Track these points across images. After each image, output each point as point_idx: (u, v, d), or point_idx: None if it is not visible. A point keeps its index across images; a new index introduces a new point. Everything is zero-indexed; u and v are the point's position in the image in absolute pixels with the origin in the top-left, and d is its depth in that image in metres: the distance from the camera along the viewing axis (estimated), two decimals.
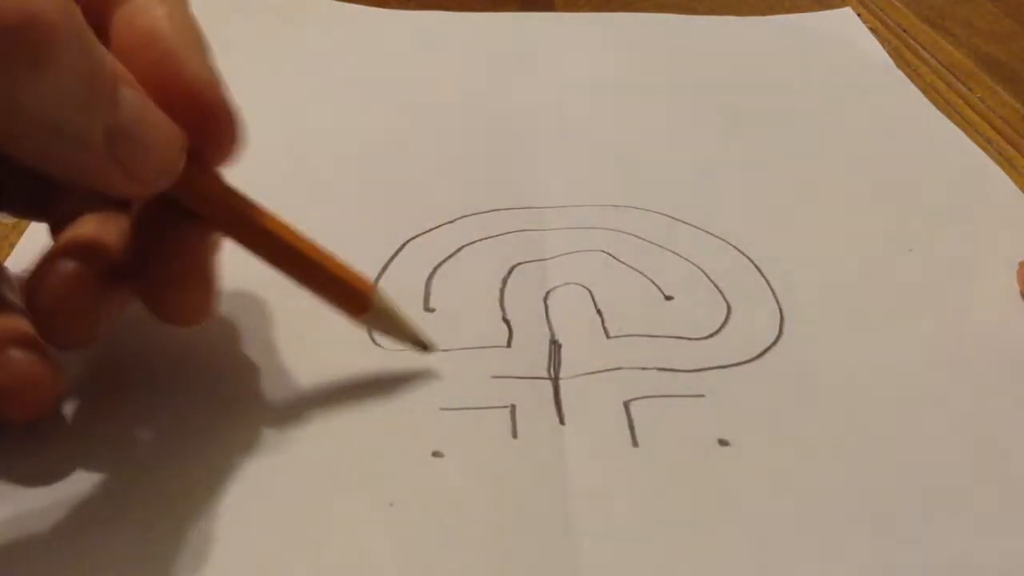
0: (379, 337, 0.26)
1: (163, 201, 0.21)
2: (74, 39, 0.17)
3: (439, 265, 0.29)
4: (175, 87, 0.20)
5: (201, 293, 0.22)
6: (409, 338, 0.25)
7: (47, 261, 0.21)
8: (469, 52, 0.43)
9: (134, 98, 0.19)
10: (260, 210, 0.22)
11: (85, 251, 0.22)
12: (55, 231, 0.24)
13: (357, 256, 0.29)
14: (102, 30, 0.20)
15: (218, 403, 0.24)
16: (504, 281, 0.29)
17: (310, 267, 0.23)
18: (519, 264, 0.29)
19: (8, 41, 0.16)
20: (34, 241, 0.29)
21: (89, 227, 0.22)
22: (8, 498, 0.21)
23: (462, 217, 0.31)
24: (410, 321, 0.25)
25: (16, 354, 0.21)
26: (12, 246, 0.29)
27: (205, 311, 0.23)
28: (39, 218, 0.25)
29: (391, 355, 0.25)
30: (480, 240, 0.30)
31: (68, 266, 0.21)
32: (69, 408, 0.23)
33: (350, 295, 0.24)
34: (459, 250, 0.30)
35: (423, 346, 0.25)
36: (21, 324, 0.22)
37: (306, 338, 0.26)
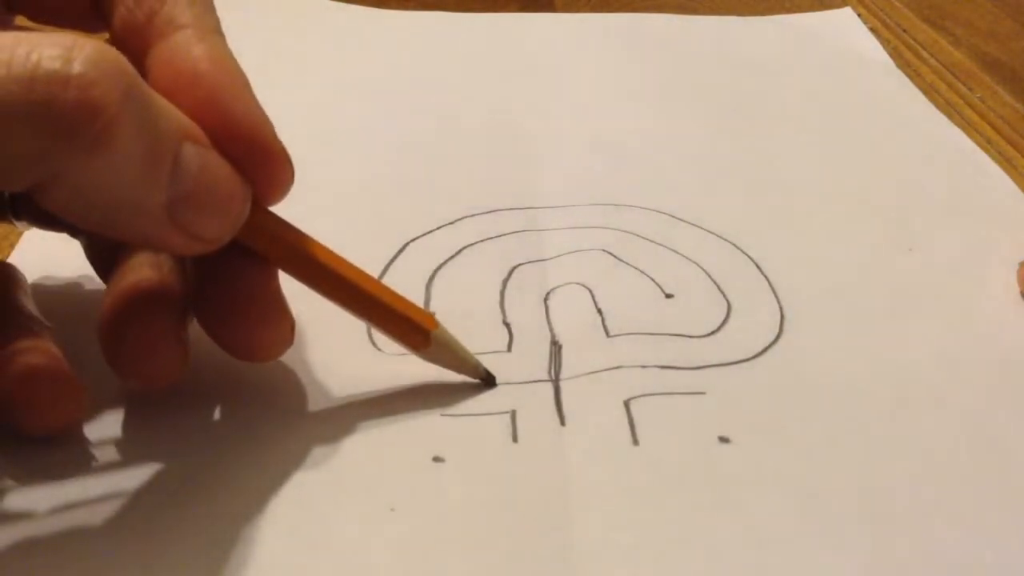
0: (380, 340, 0.26)
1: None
2: (134, 121, 0.17)
3: (440, 267, 0.29)
4: (224, 129, 0.20)
5: (279, 327, 0.22)
6: (470, 371, 0.24)
7: (123, 315, 0.21)
8: (469, 53, 0.43)
9: (199, 157, 0.19)
10: (318, 245, 0.22)
11: (158, 299, 0.22)
12: (91, 251, 0.24)
13: (358, 257, 0.29)
14: (137, 68, 0.18)
15: (217, 408, 0.24)
16: (504, 283, 0.29)
17: (370, 302, 0.23)
18: (519, 265, 0.29)
19: (65, 124, 0.16)
20: (34, 241, 0.29)
21: (147, 272, 0.22)
22: (16, 500, 0.21)
23: (463, 218, 0.31)
24: (470, 354, 0.24)
25: (39, 371, 0.21)
26: (12, 246, 0.29)
27: (284, 344, 0.23)
28: (69, 234, 0.25)
29: (392, 360, 0.25)
30: (481, 241, 0.30)
31: (151, 322, 0.21)
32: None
33: (411, 329, 0.23)
34: (460, 251, 0.30)
35: (484, 378, 0.25)
36: (41, 339, 0.22)
37: (307, 344, 0.26)
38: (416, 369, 0.25)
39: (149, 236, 0.19)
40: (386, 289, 0.23)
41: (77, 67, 0.16)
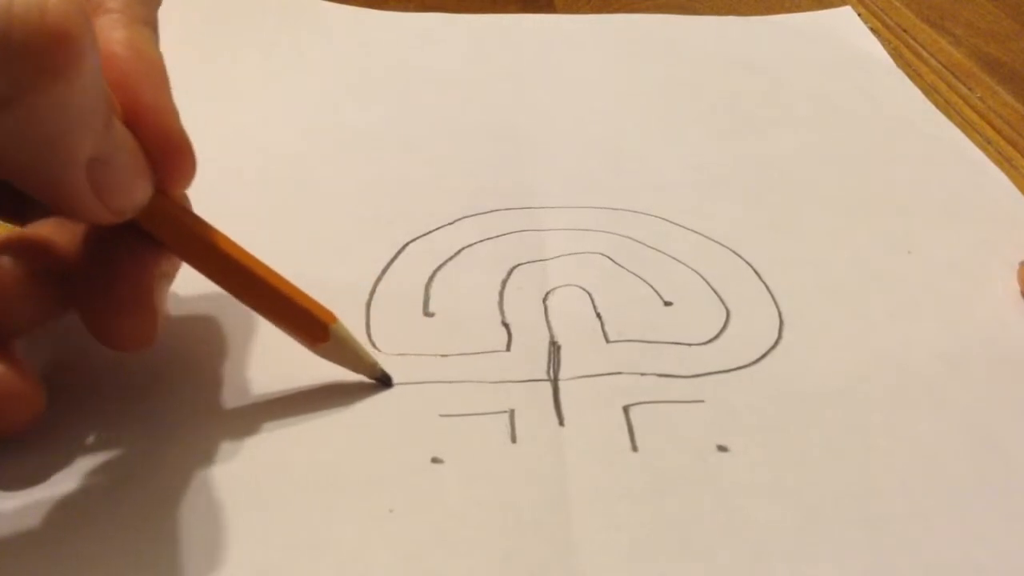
0: (379, 340, 0.26)
1: (120, 225, 0.21)
2: (93, 62, 0.18)
3: (439, 268, 0.29)
4: (132, 114, 0.20)
5: (142, 320, 0.22)
6: (367, 370, 0.24)
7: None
8: (469, 54, 0.43)
9: (119, 126, 0.19)
10: (219, 235, 0.22)
11: (30, 247, 0.22)
12: None
13: (357, 258, 0.29)
14: None
15: (218, 408, 0.24)
16: (504, 283, 0.29)
17: (269, 293, 0.23)
18: (519, 265, 0.29)
19: (35, 47, 0.17)
20: None
21: (45, 228, 0.22)
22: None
23: (462, 218, 0.31)
24: (367, 352, 0.24)
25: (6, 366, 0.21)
26: None
27: (145, 339, 0.22)
28: (10, 221, 0.25)
29: (391, 361, 0.25)
30: (480, 241, 0.30)
31: (5, 260, 0.21)
32: (66, 415, 0.23)
33: (309, 322, 0.23)
34: (459, 252, 0.30)
35: (381, 379, 0.24)
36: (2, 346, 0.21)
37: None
38: (415, 370, 0.25)
39: (63, 191, 0.19)
40: (286, 282, 0.23)
41: (52, 1, 0.17)
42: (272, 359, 0.25)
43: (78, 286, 0.22)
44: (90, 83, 0.18)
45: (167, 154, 0.21)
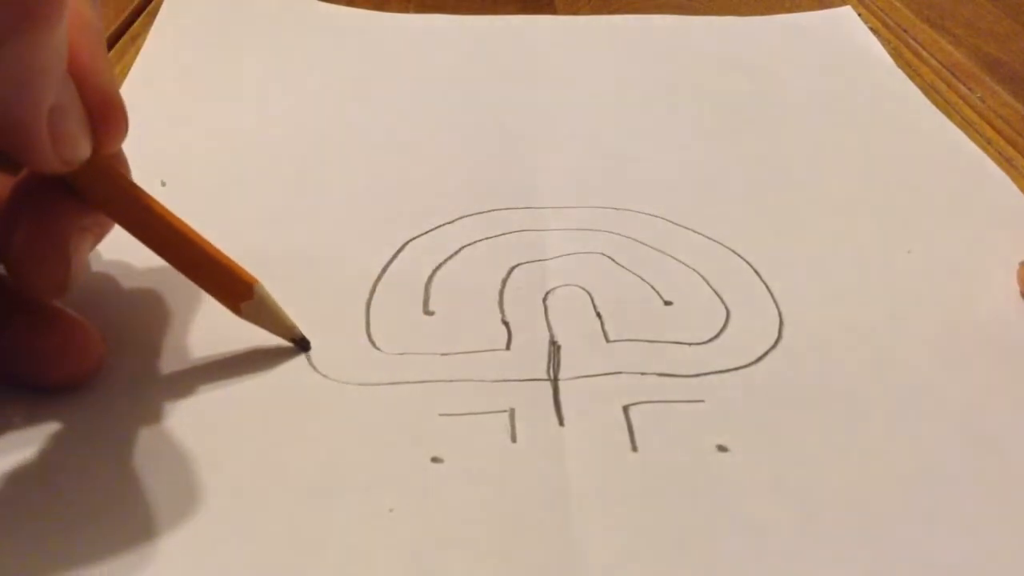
0: (379, 339, 0.26)
1: (44, 179, 0.22)
2: (64, 21, 0.19)
3: (439, 266, 0.29)
4: (73, 72, 0.21)
5: (55, 267, 0.23)
6: (286, 333, 0.25)
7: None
8: (469, 54, 0.43)
9: (69, 79, 0.20)
10: (148, 196, 0.23)
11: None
12: None
13: (358, 257, 0.29)
14: None
15: (218, 406, 0.24)
16: (503, 282, 0.29)
17: (193, 252, 0.24)
18: (519, 264, 0.29)
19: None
20: None
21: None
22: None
23: (462, 217, 0.31)
24: (287, 316, 0.25)
25: (65, 318, 0.23)
26: None
27: (57, 286, 0.23)
28: None
29: (391, 360, 0.25)
30: (480, 240, 0.30)
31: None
32: (72, 404, 0.23)
33: (232, 283, 0.24)
34: (459, 250, 0.30)
35: (300, 343, 0.25)
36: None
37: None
38: (414, 370, 0.25)
39: (24, 137, 0.20)
40: (210, 244, 0.24)
41: None
42: (269, 357, 0.25)
43: (1, 233, 0.23)
44: (62, 31, 0.19)
45: (103, 112, 0.22)
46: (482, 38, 0.45)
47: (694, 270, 0.29)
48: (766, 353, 0.26)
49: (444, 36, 0.45)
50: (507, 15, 0.47)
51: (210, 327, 0.26)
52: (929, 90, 0.41)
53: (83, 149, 0.21)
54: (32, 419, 0.23)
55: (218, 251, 0.24)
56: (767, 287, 0.29)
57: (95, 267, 0.28)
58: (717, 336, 0.27)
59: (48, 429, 0.23)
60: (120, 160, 0.24)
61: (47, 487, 0.21)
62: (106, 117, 0.22)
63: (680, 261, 0.30)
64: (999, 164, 0.36)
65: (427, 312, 0.27)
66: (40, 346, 0.23)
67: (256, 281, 0.24)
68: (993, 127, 0.39)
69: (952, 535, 0.21)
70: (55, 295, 0.23)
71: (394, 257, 0.29)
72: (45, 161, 0.21)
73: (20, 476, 0.22)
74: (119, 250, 0.29)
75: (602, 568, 0.20)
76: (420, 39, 0.44)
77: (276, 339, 0.25)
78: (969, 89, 0.42)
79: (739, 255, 0.30)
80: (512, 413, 0.24)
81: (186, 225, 0.24)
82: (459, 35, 0.45)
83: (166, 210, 0.23)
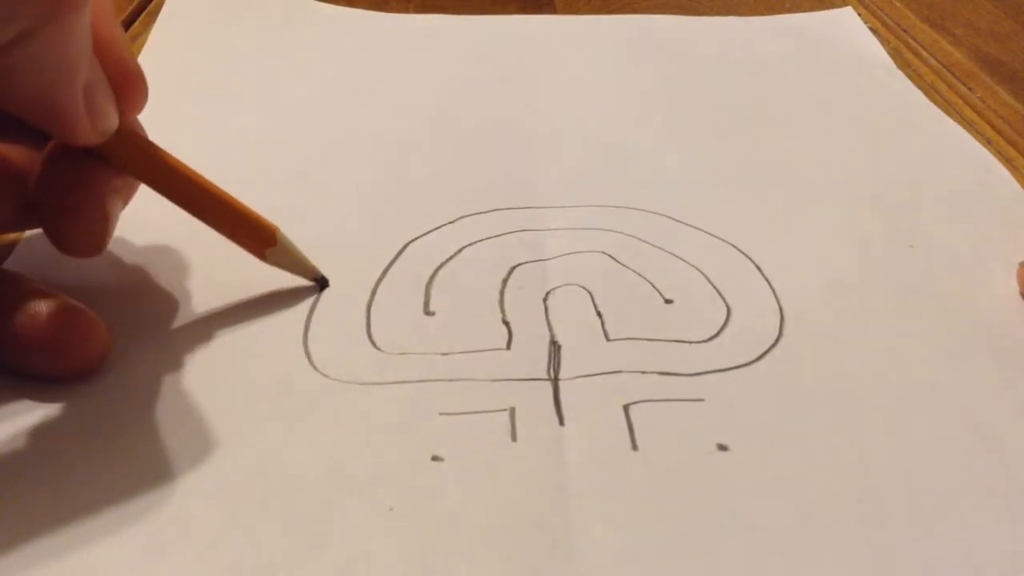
0: (379, 339, 0.26)
1: (79, 148, 0.23)
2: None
3: (439, 267, 0.29)
4: (95, 46, 0.22)
5: (93, 226, 0.24)
6: (308, 273, 0.27)
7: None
8: (469, 54, 0.43)
9: (94, 56, 0.22)
10: (172, 157, 0.25)
11: None
12: None
13: (358, 258, 0.29)
14: None
15: (219, 404, 0.24)
16: (504, 282, 0.29)
17: (219, 205, 0.26)
18: (519, 264, 0.29)
19: None
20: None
21: (2, 147, 0.25)
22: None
23: (462, 217, 0.31)
24: (307, 258, 0.27)
25: (71, 309, 0.24)
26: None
27: (96, 244, 0.25)
28: None
29: (392, 360, 0.25)
30: (480, 240, 0.30)
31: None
32: (73, 402, 0.24)
33: (258, 231, 0.26)
34: (460, 251, 0.30)
35: (320, 281, 0.28)
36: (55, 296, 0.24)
37: (307, 343, 0.26)
38: (415, 368, 0.25)
39: (65, 114, 0.21)
40: (233, 197, 0.26)
41: None
42: (269, 356, 0.25)
43: (39, 199, 0.24)
44: (87, 12, 0.20)
45: (125, 81, 0.23)
46: (482, 38, 0.45)
47: (695, 267, 0.29)
48: (767, 351, 0.26)
49: (444, 36, 0.45)
50: (507, 15, 0.47)
51: (210, 326, 0.26)
52: (929, 90, 0.41)
53: (113, 120, 0.23)
54: (34, 412, 0.23)
55: (240, 202, 0.26)
56: (769, 284, 0.29)
57: (96, 264, 0.28)
58: (718, 334, 0.27)
59: (49, 425, 0.23)
60: (138, 124, 0.25)
61: (47, 482, 0.21)
62: (128, 86, 0.23)
63: (681, 259, 0.30)
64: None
65: (428, 312, 0.27)
66: (45, 336, 0.23)
67: (277, 228, 0.26)
68: (993, 127, 0.39)
69: (952, 533, 0.21)
70: (94, 251, 0.25)
71: (395, 258, 0.29)
72: (84, 136, 0.22)
73: (21, 469, 0.22)
74: (119, 250, 0.29)
75: (602, 567, 0.20)
76: (420, 39, 0.44)
77: (275, 338, 0.25)
78: (969, 89, 0.42)
79: (741, 252, 0.30)
80: (512, 412, 0.24)
81: (209, 181, 0.25)
82: (459, 35, 0.45)
83: (190, 168, 0.25)
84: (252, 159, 0.34)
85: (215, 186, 0.25)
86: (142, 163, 0.25)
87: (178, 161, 0.25)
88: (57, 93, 0.21)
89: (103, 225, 0.24)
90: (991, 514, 0.22)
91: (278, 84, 0.40)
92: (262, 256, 0.26)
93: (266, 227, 0.26)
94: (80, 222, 0.24)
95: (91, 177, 0.24)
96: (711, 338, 0.27)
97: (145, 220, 0.28)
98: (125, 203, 0.26)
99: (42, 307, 0.23)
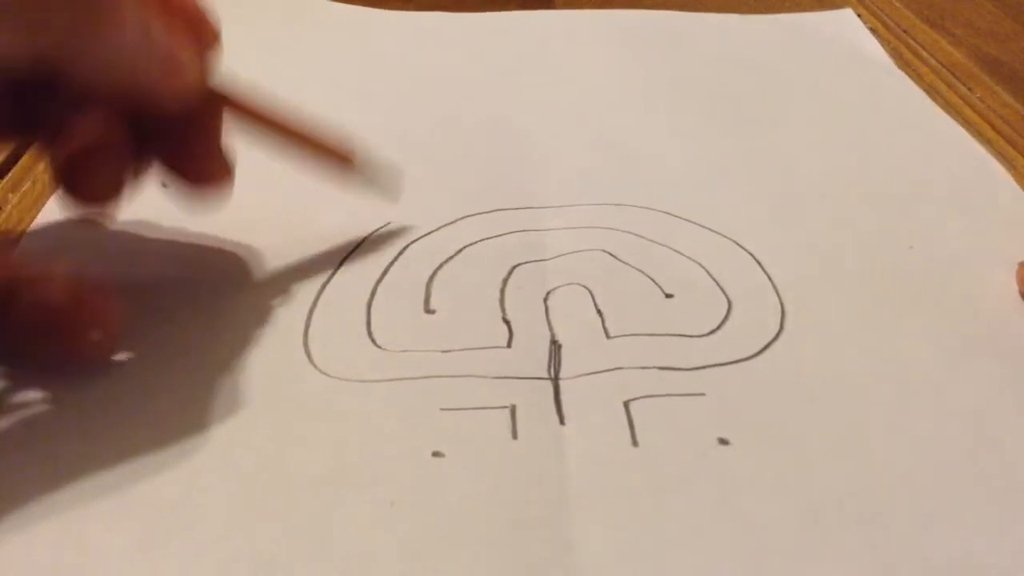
0: (379, 338, 0.26)
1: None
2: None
3: (440, 267, 0.29)
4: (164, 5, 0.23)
5: (219, 157, 0.26)
6: (384, 188, 0.30)
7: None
8: (469, 52, 0.43)
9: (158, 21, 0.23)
10: (251, 95, 0.27)
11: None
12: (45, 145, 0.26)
13: (358, 257, 0.29)
14: None
15: (220, 403, 0.24)
16: (504, 281, 0.29)
17: (309, 136, 0.28)
18: (519, 264, 0.29)
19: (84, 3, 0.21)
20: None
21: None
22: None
23: (463, 218, 0.31)
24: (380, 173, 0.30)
25: (82, 288, 0.23)
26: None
27: (224, 175, 0.26)
28: (14, 137, 0.27)
29: (392, 357, 0.25)
30: (481, 241, 0.30)
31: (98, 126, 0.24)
32: (73, 401, 0.24)
33: (342, 152, 0.29)
34: (460, 251, 0.30)
35: (393, 194, 0.31)
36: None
37: (307, 341, 0.26)
38: (416, 365, 0.25)
39: (173, 92, 0.24)
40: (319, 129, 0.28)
41: None
42: (269, 354, 0.25)
43: (162, 147, 0.25)
44: (138, 9, 0.22)
45: (198, 28, 0.25)
46: (482, 35, 0.45)
47: (696, 262, 0.29)
48: (768, 345, 0.26)
49: (444, 33, 0.45)
50: (507, 12, 0.47)
51: (211, 325, 0.26)
52: (929, 90, 0.41)
53: (200, 73, 0.24)
54: (35, 410, 0.23)
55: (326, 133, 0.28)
56: (769, 278, 0.29)
57: (96, 264, 0.28)
58: (718, 328, 0.27)
59: (49, 423, 0.23)
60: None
61: (47, 480, 0.21)
62: (202, 33, 0.25)
63: (681, 253, 0.30)
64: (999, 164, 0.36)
65: (428, 311, 0.27)
66: (51, 317, 0.23)
67: (354, 151, 0.29)
68: (993, 127, 0.39)
69: (952, 530, 0.21)
70: (224, 187, 0.26)
71: (396, 258, 0.29)
72: (175, 96, 0.24)
73: (21, 467, 0.22)
74: (119, 250, 0.29)
75: (601, 564, 0.20)
76: (420, 36, 0.44)
77: (275, 337, 0.26)
78: (969, 89, 0.42)
79: (741, 246, 0.30)
80: (513, 409, 0.24)
81: (296, 117, 0.28)
82: (459, 32, 0.45)
83: (279, 109, 0.28)
84: (250, 157, 0.34)
85: (299, 119, 0.28)
86: (239, 103, 0.27)
87: (259, 99, 0.27)
88: (165, 77, 0.23)
89: (226, 159, 0.26)
90: (991, 513, 0.22)
91: (276, 81, 0.40)
92: (345, 173, 0.29)
93: (348, 147, 0.29)
94: (212, 158, 0.26)
95: (209, 121, 0.26)
96: (712, 332, 0.27)
97: (145, 220, 0.28)
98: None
99: (43, 292, 0.23)
